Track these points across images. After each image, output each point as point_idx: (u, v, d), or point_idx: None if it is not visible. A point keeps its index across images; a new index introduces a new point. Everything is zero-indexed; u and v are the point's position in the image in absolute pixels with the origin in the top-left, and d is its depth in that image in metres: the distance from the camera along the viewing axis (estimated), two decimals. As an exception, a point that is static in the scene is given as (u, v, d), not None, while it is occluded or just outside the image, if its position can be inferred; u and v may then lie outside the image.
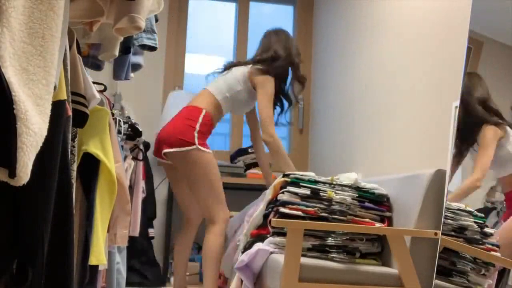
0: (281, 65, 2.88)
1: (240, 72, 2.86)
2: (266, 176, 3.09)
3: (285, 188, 2.18)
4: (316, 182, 2.17)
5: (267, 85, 2.78)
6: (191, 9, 4.32)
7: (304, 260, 1.88)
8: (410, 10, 2.66)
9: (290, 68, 2.92)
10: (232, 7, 4.45)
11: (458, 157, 1.95)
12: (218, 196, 2.67)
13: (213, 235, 2.65)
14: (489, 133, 1.89)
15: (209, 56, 4.46)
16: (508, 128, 1.85)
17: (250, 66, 2.87)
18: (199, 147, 2.61)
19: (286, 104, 2.97)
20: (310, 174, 2.23)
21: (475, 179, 1.94)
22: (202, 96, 2.82)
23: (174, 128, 2.67)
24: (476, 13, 1.91)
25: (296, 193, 2.13)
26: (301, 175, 2.20)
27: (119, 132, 2.56)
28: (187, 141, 2.60)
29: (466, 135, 1.93)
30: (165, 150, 2.62)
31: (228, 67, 2.98)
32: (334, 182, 2.16)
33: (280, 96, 2.92)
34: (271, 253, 2.12)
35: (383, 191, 2.19)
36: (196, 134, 2.62)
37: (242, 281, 2.33)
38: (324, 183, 2.17)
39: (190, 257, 3.69)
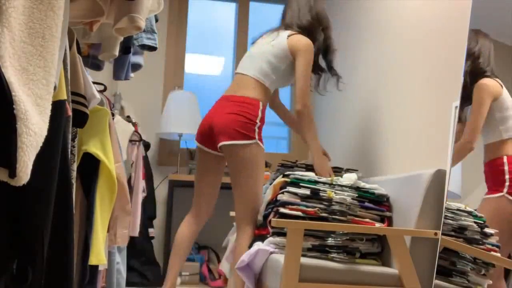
0: (319, 31, 2.70)
1: (280, 47, 2.59)
2: (311, 143, 2.62)
3: (285, 188, 2.18)
4: (316, 182, 2.17)
5: (308, 54, 2.56)
6: (191, 9, 4.32)
7: (304, 260, 1.88)
8: (410, 10, 2.66)
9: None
10: (232, 7, 4.45)
11: (460, 125, 1.82)
12: (258, 200, 2.49)
13: (246, 237, 2.43)
14: (482, 87, 1.74)
15: (209, 56, 4.46)
16: (505, 90, 1.76)
17: (287, 35, 2.61)
18: (259, 142, 2.47)
19: (324, 73, 2.80)
20: (310, 174, 2.23)
21: (465, 141, 1.79)
22: (251, 84, 2.57)
23: (232, 121, 2.46)
24: (476, 13, 1.91)
25: (296, 194, 2.13)
26: (301, 175, 2.20)
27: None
28: (248, 135, 2.43)
29: (466, 96, 1.78)
30: (225, 142, 2.43)
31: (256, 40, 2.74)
32: (334, 183, 2.16)
33: (318, 66, 2.75)
34: (271, 253, 2.12)
35: (383, 191, 2.19)
36: (256, 129, 2.46)
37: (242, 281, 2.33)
38: (324, 183, 2.17)
39: (190, 257, 3.69)
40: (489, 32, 1.95)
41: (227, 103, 2.53)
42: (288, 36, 2.60)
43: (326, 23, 2.72)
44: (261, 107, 2.51)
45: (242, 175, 2.46)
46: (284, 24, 2.71)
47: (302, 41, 2.58)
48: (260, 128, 2.49)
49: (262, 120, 2.52)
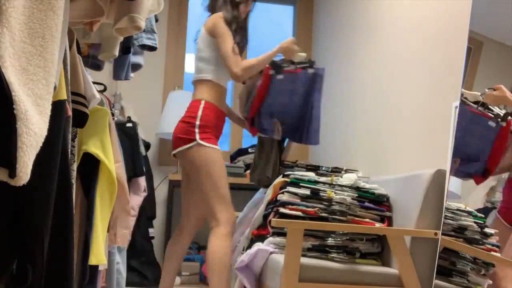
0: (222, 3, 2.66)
1: (201, 39, 2.66)
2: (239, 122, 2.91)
3: (285, 188, 2.18)
4: (316, 182, 2.16)
5: (218, 25, 2.56)
6: (191, 9, 4.32)
7: (304, 260, 1.88)
8: (410, 10, 2.66)
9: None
10: (232, 7, 4.44)
11: None
12: (221, 195, 2.45)
13: (216, 238, 2.38)
14: None
15: (209, 56, 4.45)
16: None
17: (202, 25, 2.66)
18: (200, 141, 2.44)
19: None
20: (310, 174, 2.23)
21: None
22: (194, 88, 2.66)
23: (175, 129, 2.53)
24: (476, 13, 1.91)
25: (296, 194, 2.13)
26: (301, 176, 2.20)
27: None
28: (188, 138, 2.45)
29: None
30: (173, 152, 2.51)
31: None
32: (334, 183, 2.16)
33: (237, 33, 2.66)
34: (271, 253, 2.12)
35: (383, 191, 2.18)
36: (196, 130, 2.45)
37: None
38: (324, 183, 2.17)
39: (190, 257, 3.70)
40: (489, 32, 1.95)
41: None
42: (203, 25, 2.64)
43: None
44: (202, 105, 2.51)
45: (196, 178, 2.48)
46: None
47: (210, 19, 2.60)
48: (202, 126, 2.46)
49: (204, 118, 2.48)
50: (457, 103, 2.00)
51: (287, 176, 2.23)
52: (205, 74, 2.60)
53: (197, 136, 2.43)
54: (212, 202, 2.43)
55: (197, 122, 2.46)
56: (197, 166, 2.44)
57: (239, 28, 2.63)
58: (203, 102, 2.52)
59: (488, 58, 1.99)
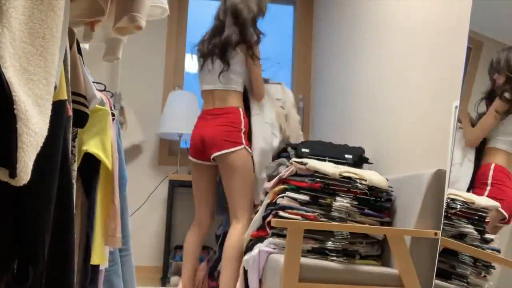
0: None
1: (235, 53, 2.86)
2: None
3: (284, 193, 2.16)
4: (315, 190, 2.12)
5: (257, 51, 2.96)
6: (191, 9, 4.32)
7: (304, 260, 1.88)
8: (410, 10, 2.66)
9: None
10: (232, 7, 4.44)
11: None
12: (251, 196, 2.78)
13: (236, 231, 2.70)
14: None
15: (209, 56, 4.44)
16: None
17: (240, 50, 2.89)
18: (246, 147, 2.74)
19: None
20: (328, 165, 2.19)
21: None
22: (225, 95, 2.84)
23: (219, 132, 2.73)
24: (476, 13, 1.91)
25: (295, 199, 2.11)
26: (320, 166, 2.15)
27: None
28: (235, 142, 2.71)
29: None
30: (217, 153, 2.71)
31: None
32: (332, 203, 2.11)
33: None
34: (270, 253, 2.12)
35: (391, 195, 2.16)
36: (242, 135, 2.74)
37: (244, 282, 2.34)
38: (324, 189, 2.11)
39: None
40: (489, 32, 1.95)
41: (211, 117, 2.79)
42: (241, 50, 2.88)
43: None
44: (241, 114, 2.78)
45: (234, 180, 2.74)
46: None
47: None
48: (245, 133, 2.75)
49: (245, 126, 2.77)
50: (457, 103, 2.00)
51: (305, 164, 2.18)
52: (235, 86, 2.84)
53: (244, 142, 2.73)
54: (242, 200, 2.75)
55: (242, 128, 2.74)
56: (238, 168, 2.72)
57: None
58: (240, 110, 2.79)
59: (488, 58, 1.99)
